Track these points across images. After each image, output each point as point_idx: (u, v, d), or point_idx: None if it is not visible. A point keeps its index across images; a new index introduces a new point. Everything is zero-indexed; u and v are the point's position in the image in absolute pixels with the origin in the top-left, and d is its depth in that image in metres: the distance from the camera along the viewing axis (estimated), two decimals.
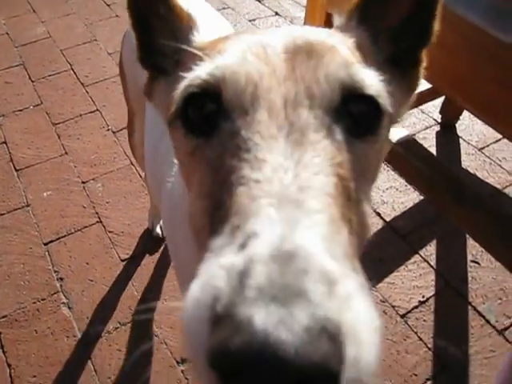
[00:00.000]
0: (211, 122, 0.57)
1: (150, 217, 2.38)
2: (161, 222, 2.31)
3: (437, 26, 0.72)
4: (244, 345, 0.33)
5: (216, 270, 0.40)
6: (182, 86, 0.60)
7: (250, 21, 3.85)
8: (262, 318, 0.34)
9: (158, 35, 0.76)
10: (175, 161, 0.96)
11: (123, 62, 1.70)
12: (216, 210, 0.50)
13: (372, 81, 0.58)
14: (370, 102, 0.58)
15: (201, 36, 0.74)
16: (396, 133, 1.79)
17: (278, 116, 0.52)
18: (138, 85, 1.44)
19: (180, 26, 0.75)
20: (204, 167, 0.57)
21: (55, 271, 2.24)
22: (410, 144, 1.79)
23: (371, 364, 0.39)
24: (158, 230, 2.35)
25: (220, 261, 0.40)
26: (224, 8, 4.02)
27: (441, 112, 3.01)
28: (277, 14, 3.92)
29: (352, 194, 0.53)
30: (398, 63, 0.72)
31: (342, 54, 0.59)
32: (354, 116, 0.57)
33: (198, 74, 0.58)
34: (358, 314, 0.39)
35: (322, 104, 0.55)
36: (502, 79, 1.24)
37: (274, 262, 0.37)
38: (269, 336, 0.33)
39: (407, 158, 1.74)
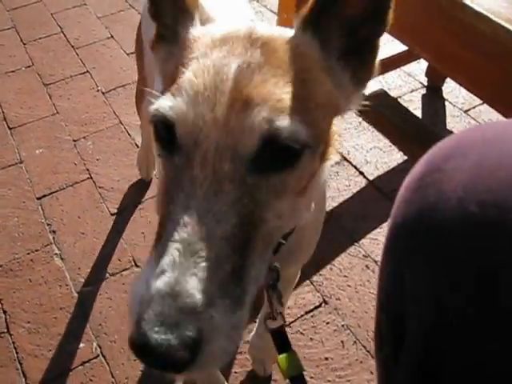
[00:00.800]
0: (171, 144, 0.71)
1: (139, 162, 2.41)
2: (150, 167, 2.40)
3: (391, 15, 0.74)
4: (142, 342, 0.57)
5: (142, 290, 0.61)
6: (152, 108, 0.71)
7: None
8: (151, 337, 0.56)
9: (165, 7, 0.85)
10: None
11: (142, 31, 1.73)
12: (166, 211, 0.68)
13: (291, 132, 0.66)
14: (287, 147, 0.67)
15: (198, 30, 0.81)
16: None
17: (207, 165, 0.65)
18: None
19: (185, 11, 0.83)
20: (165, 172, 0.73)
21: (48, 224, 2.27)
22: (389, 101, 1.82)
23: (220, 358, 0.61)
24: (145, 174, 2.42)
25: (145, 284, 0.61)
26: None
27: (426, 75, 3.01)
28: None
29: (257, 221, 0.67)
30: (353, 52, 0.78)
31: (277, 98, 0.67)
32: (275, 154, 0.67)
33: (159, 109, 0.70)
34: (212, 329, 0.59)
35: (242, 156, 0.66)
36: (452, 31, 1.28)
37: (167, 297, 0.58)
38: (155, 339, 0.56)
39: (381, 111, 1.77)
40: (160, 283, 0.59)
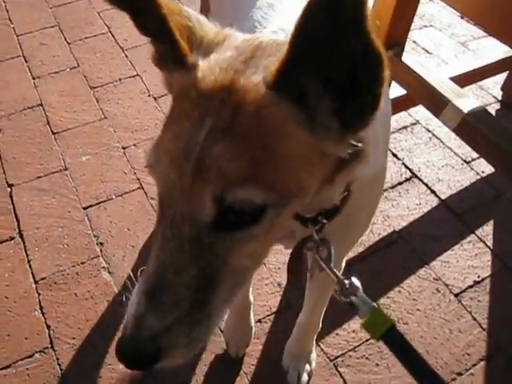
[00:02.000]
0: None
1: None
2: None
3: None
4: (120, 351, 0.86)
5: (132, 300, 0.87)
6: (145, 157, 0.90)
7: None
8: (125, 346, 0.85)
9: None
10: None
11: None
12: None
13: (243, 200, 0.80)
14: (248, 210, 0.82)
15: (183, 77, 0.88)
16: (468, 103, 1.92)
17: (174, 227, 0.83)
18: None
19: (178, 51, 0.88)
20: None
21: (95, 236, 2.40)
22: (480, 114, 1.92)
23: (178, 359, 0.88)
24: None
25: (130, 310, 0.86)
26: None
27: (502, 88, 3.10)
28: None
29: (220, 267, 0.86)
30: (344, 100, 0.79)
31: (228, 174, 0.78)
32: (234, 221, 0.83)
33: (149, 163, 0.88)
34: (168, 344, 0.85)
35: (200, 222, 0.83)
36: None
37: (134, 328, 0.84)
38: (126, 358, 0.85)
39: (477, 127, 1.86)
40: (131, 316, 0.85)
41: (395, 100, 2.35)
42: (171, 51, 0.88)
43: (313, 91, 0.79)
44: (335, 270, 1.07)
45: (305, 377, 1.97)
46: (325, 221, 1.08)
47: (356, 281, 1.05)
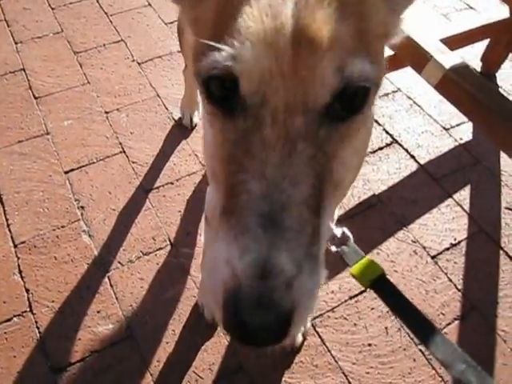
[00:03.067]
0: (229, 98, 0.74)
1: (182, 107, 2.76)
2: (194, 113, 2.76)
3: None
4: (242, 323, 0.65)
5: (225, 257, 0.67)
6: (204, 63, 0.73)
7: None
8: (250, 317, 0.64)
9: None
10: None
11: None
12: (234, 177, 0.73)
13: (361, 74, 0.71)
14: (360, 91, 0.74)
15: None
16: (451, 59, 1.95)
17: (278, 125, 0.70)
18: None
19: None
20: (224, 135, 0.77)
21: (76, 199, 2.44)
22: (463, 70, 1.94)
23: (307, 316, 0.69)
24: (188, 121, 2.73)
25: (227, 264, 0.66)
26: None
27: (482, 59, 3.16)
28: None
29: (328, 175, 0.73)
30: None
31: (342, 42, 0.70)
32: (345, 101, 0.73)
33: (219, 59, 0.71)
34: (302, 295, 0.66)
35: (314, 110, 0.71)
36: None
37: (258, 278, 0.64)
38: (255, 326, 0.64)
39: (459, 82, 1.89)
40: (248, 262, 0.64)
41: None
42: None
43: None
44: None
45: (299, 337, 2.02)
46: None
47: (347, 231, 1.08)
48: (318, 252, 0.71)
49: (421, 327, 0.95)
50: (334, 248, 1.07)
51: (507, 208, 2.46)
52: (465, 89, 1.87)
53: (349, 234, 1.08)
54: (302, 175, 0.69)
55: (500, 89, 3.06)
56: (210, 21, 0.79)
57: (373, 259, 0.99)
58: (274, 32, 0.69)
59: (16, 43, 3.28)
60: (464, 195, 2.50)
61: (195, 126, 2.76)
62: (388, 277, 1.03)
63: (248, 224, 0.67)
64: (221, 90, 0.74)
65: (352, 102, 0.74)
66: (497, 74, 3.13)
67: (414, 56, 2.07)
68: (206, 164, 0.88)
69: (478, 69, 3.17)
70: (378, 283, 0.98)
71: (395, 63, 2.43)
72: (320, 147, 0.72)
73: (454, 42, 2.54)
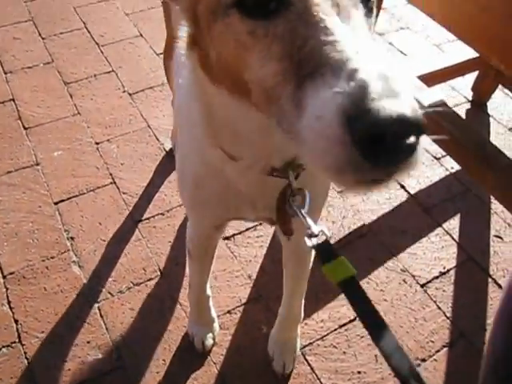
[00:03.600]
0: (266, 8, 0.79)
1: (173, 138, 2.80)
2: None
3: None
4: (387, 116, 0.63)
5: (333, 94, 0.67)
6: None
7: None
8: (392, 105, 0.63)
9: None
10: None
11: None
12: (299, 66, 0.75)
13: None
14: None
15: None
16: (429, 96, 2.00)
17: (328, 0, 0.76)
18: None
19: None
20: (270, 41, 0.79)
21: (65, 230, 2.47)
22: (441, 107, 2.00)
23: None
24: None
25: (334, 89, 0.67)
26: None
27: (473, 89, 3.24)
28: None
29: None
30: None
31: None
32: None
33: None
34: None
35: None
36: None
37: (381, 81, 0.65)
38: (399, 112, 0.63)
39: (437, 119, 1.94)
40: (369, 75, 0.67)
41: None
42: None
43: None
44: (307, 216, 1.11)
45: (290, 364, 2.05)
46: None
47: (326, 230, 1.10)
48: None
49: (377, 328, 0.99)
50: (309, 243, 1.08)
51: (496, 236, 2.51)
52: (443, 126, 1.92)
53: (327, 233, 1.09)
54: (366, 32, 0.77)
55: (491, 118, 3.13)
56: None
57: (347, 262, 1.03)
58: None
59: (6, 73, 3.33)
60: (453, 224, 2.55)
61: None
62: (364, 288, 1.06)
63: (342, 58, 0.69)
64: (257, 2, 0.79)
65: None
66: (488, 103, 3.21)
67: None
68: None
69: (470, 98, 3.25)
70: (348, 284, 1.02)
71: None
72: (365, 20, 0.81)
73: (445, 74, 2.60)
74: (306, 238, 1.07)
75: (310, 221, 1.10)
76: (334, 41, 0.71)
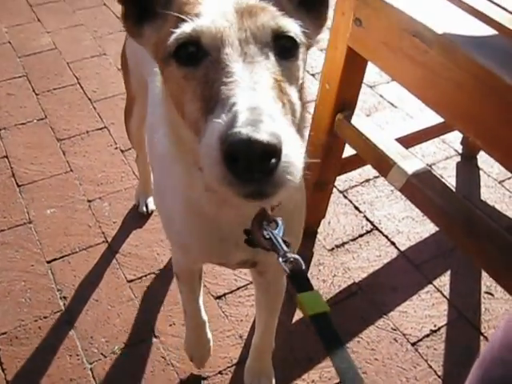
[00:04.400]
0: (194, 58, 1.00)
1: (138, 195, 2.92)
2: (148, 199, 2.88)
3: None
4: (240, 139, 0.78)
5: (216, 124, 0.84)
6: (172, 37, 1.00)
7: None
8: (246, 130, 0.78)
9: None
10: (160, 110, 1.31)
11: (127, 52, 2.22)
12: (208, 103, 0.94)
13: (290, 25, 1.02)
14: (291, 39, 1.03)
15: None
16: (413, 164, 2.07)
17: (237, 50, 0.95)
18: (141, 73, 2.05)
19: None
20: (195, 83, 1.00)
21: (58, 290, 2.51)
22: (425, 175, 2.05)
23: (297, 160, 0.85)
24: (144, 208, 2.89)
25: (218, 120, 0.84)
26: None
27: (462, 143, 3.35)
28: None
29: (283, 88, 0.98)
30: (310, 6, 1.17)
31: (272, 10, 1.02)
32: (282, 47, 1.01)
33: (185, 30, 0.99)
34: (290, 135, 0.85)
35: (261, 41, 0.98)
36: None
37: (248, 111, 0.82)
38: (250, 136, 0.77)
39: (421, 188, 2.00)
40: (240, 106, 0.84)
41: (348, 159, 2.49)
42: None
43: None
44: (281, 241, 1.20)
45: None
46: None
47: (301, 260, 1.17)
48: (290, 123, 0.95)
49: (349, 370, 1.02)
50: (286, 269, 1.15)
51: (487, 293, 2.55)
52: (427, 195, 1.98)
53: (302, 262, 1.16)
54: (264, 74, 0.94)
55: (481, 171, 3.20)
56: (171, 28, 1.04)
57: (321, 297, 1.08)
58: (219, 10, 1.01)
59: (0, 130, 3.38)
60: (444, 281, 2.59)
61: (151, 212, 2.89)
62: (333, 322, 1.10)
63: (230, 95, 0.88)
64: (187, 53, 1.01)
65: (285, 48, 1.03)
66: (478, 156, 3.29)
67: (377, 160, 2.17)
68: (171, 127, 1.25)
69: (460, 151, 3.34)
70: (320, 319, 1.06)
71: (356, 163, 2.56)
72: (272, 65, 0.98)
73: (435, 131, 2.67)
74: (281, 262, 1.15)
75: (284, 246, 1.19)
76: (231, 81, 0.90)
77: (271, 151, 0.80)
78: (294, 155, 0.85)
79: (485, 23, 1.78)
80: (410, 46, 1.80)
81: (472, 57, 1.60)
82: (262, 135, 0.78)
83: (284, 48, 1.02)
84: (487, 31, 1.76)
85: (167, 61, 1.05)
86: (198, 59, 1.00)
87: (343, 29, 2.09)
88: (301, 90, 1.11)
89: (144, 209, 2.88)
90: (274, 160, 0.80)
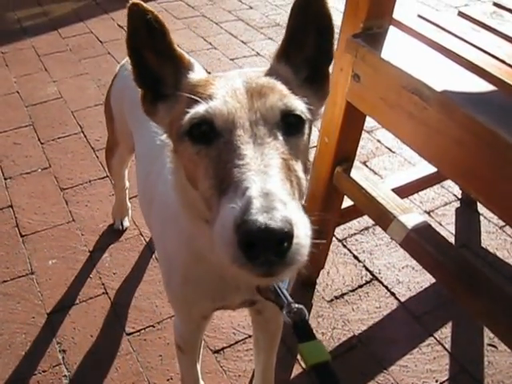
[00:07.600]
0: (207, 137, 1.05)
1: (114, 214, 3.08)
2: (124, 218, 3.07)
3: (334, 48, 1.23)
4: (257, 228, 0.81)
5: (231, 208, 0.87)
6: (187, 117, 1.06)
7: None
8: (263, 219, 0.81)
9: (159, 67, 1.22)
10: (169, 176, 1.35)
11: (111, 100, 2.34)
12: (221, 183, 0.97)
13: (297, 104, 1.08)
14: (298, 117, 1.08)
15: (194, 75, 1.22)
16: (413, 218, 2.02)
17: (248, 131, 1.00)
18: (125, 123, 2.19)
19: (181, 65, 1.22)
20: (207, 161, 1.04)
21: (58, 343, 2.45)
22: (425, 229, 2.00)
23: (306, 242, 0.88)
24: (119, 226, 3.05)
25: (232, 205, 0.87)
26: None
27: (461, 188, 3.24)
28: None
29: (291, 166, 1.02)
30: (314, 81, 1.24)
31: (280, 89, 1.10)
32: (289, 124, 1.06)
33: (199, 111, 1.05)
34: (299, 218, 0.88)
35: (270, 122, 1.03)
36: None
37: (261, 197, 0.85)
38: (267, 224, 0.80)
39: (421, 243, 1.95)
40: (253, 192, 0.87)
41: (347, 209, 2.44)
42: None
43: (301, 65, 1.24)
44: (286, 292, 1.26)
45: None
46: None
47: (305, 309, 1.20)
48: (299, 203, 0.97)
49: None
50: (288, 319, 1.18)
51: (490, 345, 2.45)
52: (426, 249, 1.93)
53: (306, 312, 1.20)
54: (274, 155, 0.98)
55: (481, 216, 3.15)
56: (183, 108, 1.11)
57: (323, 346, 1.05)
58: (231, 92, 1.07)
59: (5, 179, 3.38)
60: (445, 333, 2.50)
61: (125, 229, 3.03)
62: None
63: (242, 178, 0.91)
64: (200, 132, 1.06)
65: (292, 125, 1.07)
66: (477, 201, 3.18)
67: (377, 214, 2.14)
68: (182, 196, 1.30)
69: (459, 196, 3.28)
70: (321, 368, 1.05)
71: (356, 213, 2.51)
72: (282, 145, 1.02)
73: (435, 178, 2.63)
74: (284, 314, 1.20)
75: (289, 297, 1.24)
76: (243, 164, 0.94)
77: (285, 237, 0.83)
78: (304, 237, 0.88)
79: (483, 79, 1.77)
80: (409, 102, 1.78)
81: (471, 114, 1.57)
82: (278, 223, 0.81)
83: (291, 125, 1.07)
84: (486, 87, 1.74)
85: (181, 138, 1.10)
86: (211, 138, 1.04)
87: (342, 84, 2.08)
88: (306, 162, 1.14)
89: (120, 227, 3.04)
90: (286, 244, 0.84)
